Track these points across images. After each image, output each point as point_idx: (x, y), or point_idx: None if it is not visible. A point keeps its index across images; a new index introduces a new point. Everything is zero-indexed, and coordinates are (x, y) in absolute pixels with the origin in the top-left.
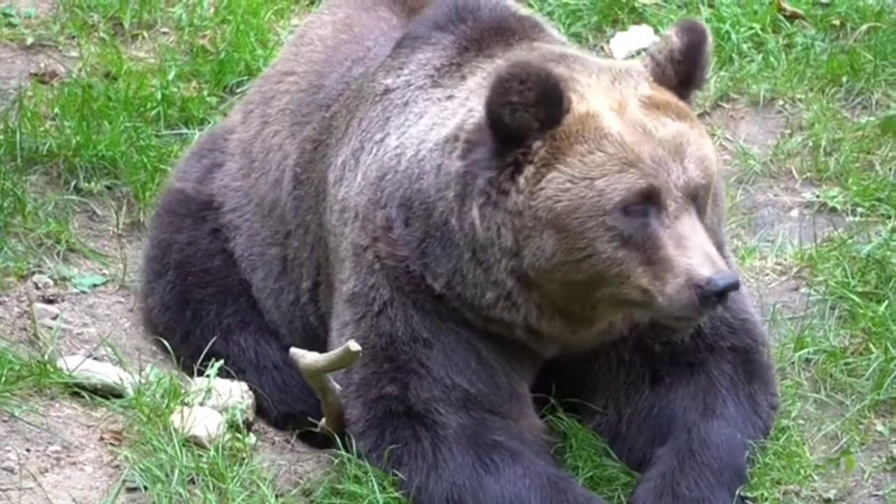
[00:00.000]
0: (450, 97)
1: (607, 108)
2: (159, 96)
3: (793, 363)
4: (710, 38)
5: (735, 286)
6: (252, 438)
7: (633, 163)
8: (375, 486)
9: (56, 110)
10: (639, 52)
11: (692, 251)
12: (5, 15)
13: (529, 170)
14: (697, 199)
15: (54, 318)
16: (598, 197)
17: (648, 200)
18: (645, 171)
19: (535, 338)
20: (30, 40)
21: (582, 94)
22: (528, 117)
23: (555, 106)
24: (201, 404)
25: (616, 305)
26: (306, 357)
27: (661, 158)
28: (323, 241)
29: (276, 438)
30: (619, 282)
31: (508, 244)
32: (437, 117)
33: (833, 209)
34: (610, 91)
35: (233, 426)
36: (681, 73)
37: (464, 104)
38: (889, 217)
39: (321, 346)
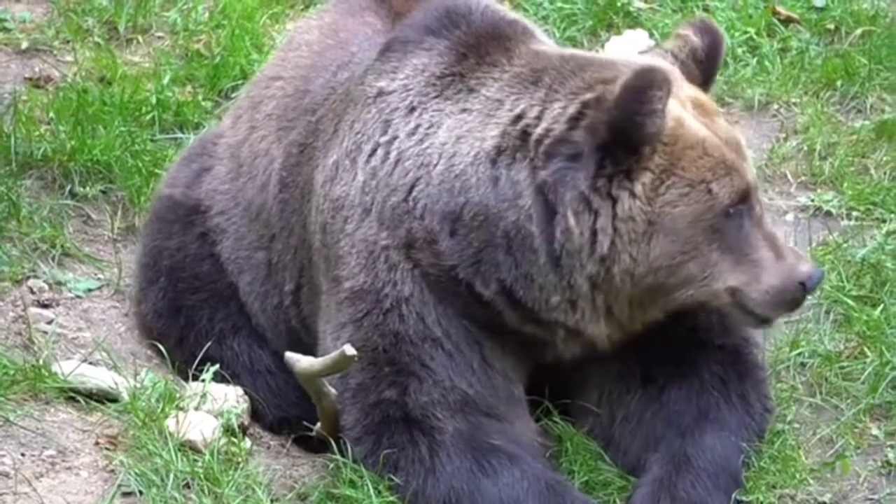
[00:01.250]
0: (465, 110)
1: (683, 111)
2: (154, 101)
3: (788, 367)
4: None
5: (823, 277)
6: (247, 443)
7: (732, 165)
8: (371, 491)
9: (51, 115)
10: None
11: (785, 251)
12: (0, 20)
13: (647, 176)
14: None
15: (49, 322)
16: (712, 200)
17: (744, 202)
18: (741, 173)
19: (569, 339)
20: (25, 45)
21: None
22: (662, 122)
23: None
24: (196, 409)
25: (693, 306)
26: (301, 361)
27: (737, 160)
28: (307, 244)
29: (272, 443)
30: (710, 283)
31: (603, 250)
32: (458, 130)
33: (828, 213)
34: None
35: (228, 431)
36: (706, 70)
37: (490, 117)
38: (884, 221)
39: (304, 349)
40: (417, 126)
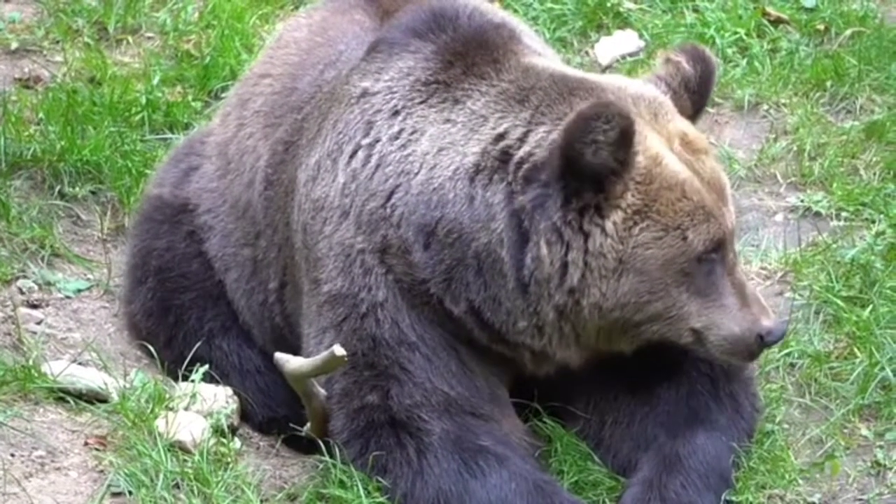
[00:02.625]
0: (448, 121)
1: (665, 149)
2: (144, 101)
3: (777, 367)
4: (718, 65)
5: (785, 334)
6: (237, 443)
7: (711, 211)
8: (361, 491)
9: (40, 115)
10: (623, 57)
11: (751, 300)
12: None
13: (618, 215)
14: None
15: (39, 323)
16: (686, 246)
17: (718, 250)
18: (719, 220)
19: (539, 360)
20: (14, 45)
21: (641, 132)
22: (608, 157)
23: (630, 147)
24: (186, 409)
25: (658, 342)
26: (291, 362)
27: (717, 204)
28: (289, 242)
29: (261, 443)
30: (674, 323)
31: (573, 282)
32: (441, 141)
33: (817, 214)
34: (655, 126)
35: (217, 431)
36: (696, 102)
37: (473, 132)
38: (873, 221)
39: (288, 346)
40: (401, 131)
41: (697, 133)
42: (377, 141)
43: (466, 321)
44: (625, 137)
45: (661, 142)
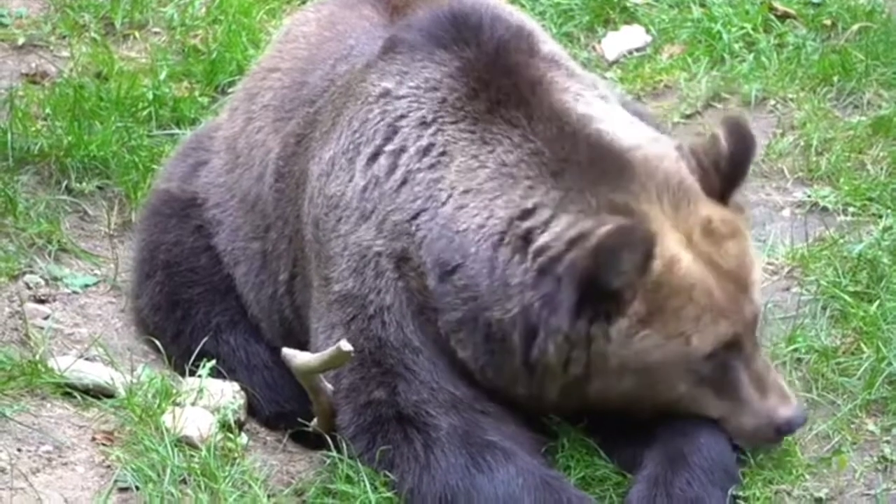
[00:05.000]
0: (477, 159)
1: (681, 247)
2: (151, 96)
3: (784, 362)
4: (757, 143)
5: (805, 421)
6: (244, 438)
7: (721, 312)
8: (368, 486)
9: (47, 110)
10: (630, 52)
11: (770, 391)
12: None
13: (623, 323)
14: (759, 321)
15: (46, 318)
16: (690, 350)
17: (731, 347)
18: (731, 320)
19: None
20: (21, 40)
21: (658, 233)
22: (630, 278)
23: (650, 261)
24: (193, 404)
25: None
26: (298, 357)
27: (734, 297)
28: (300, 234)
29: (268, 438)
30: (691, 412)
31: (577, 373)
32: (469, 181)
33: (824, 209)
34: (675, 219)
35: (224, 426)
36: (727, 183)
37: (503, 190)
38: (880, 216)
39: (297, 341)
40: (430, 146)
41: (726, 216)
42: (402, 150)
43: (469, 363)
44: (647, 258)
45: (678, 239)
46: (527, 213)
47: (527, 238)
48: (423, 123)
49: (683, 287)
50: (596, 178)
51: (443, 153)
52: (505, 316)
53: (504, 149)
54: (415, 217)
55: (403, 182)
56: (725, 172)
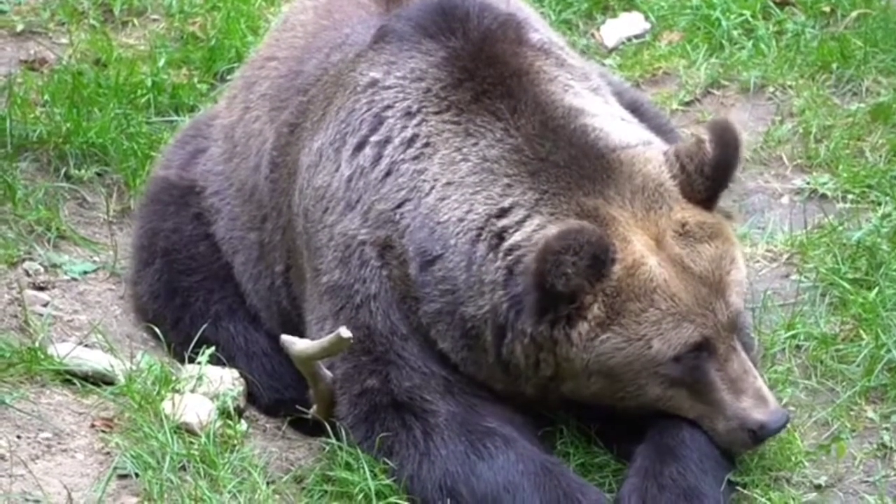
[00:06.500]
0: (459, 151)
1: (648, 249)
2: (149, 83)
3: (783, 349)
4: (743, 145)
5: (785, 425)
6: (243, 425)
7: (685, 315)
8: (367, 473)
9: (46, 97)
10: (629, 39)
11: (745, 394)
12: None
13: (584, 326)
14: (737, 323)
15: (45, 305)
16: (653, 353)
17: (700, 349)
18: (697, 323)
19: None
20: (20, 27)
21: (624, 237)
22: (580, 282)
23: (605, 265)
24: (192, 391)
25: None
26: (297, 344)
27: (706, 300)
28: (292, 225)
29: (268, 425)
30: (667, 410)
31: (547, 374)
32: (451, 174)
33: (823, 196)
34: (646, 222)
35: (224, 413)
36: (710, 188)
37: (483, 186)
38: (879, 204)
39: (295, 330)
40: (414, 137)
41: (704, 219)
42: (387, 141)
43: (449, 355)
44: (596, 261)
45: (645, 242)
46: (503, 212)
47: (501, 236)
48: (408, 114)
49: (645, 291)
50: (572, 181)
51: (426, 144)
52: (478, 312)
53: (486, 143)
54: (399, 206)
55: (388, 172)
56: (709, 177)
